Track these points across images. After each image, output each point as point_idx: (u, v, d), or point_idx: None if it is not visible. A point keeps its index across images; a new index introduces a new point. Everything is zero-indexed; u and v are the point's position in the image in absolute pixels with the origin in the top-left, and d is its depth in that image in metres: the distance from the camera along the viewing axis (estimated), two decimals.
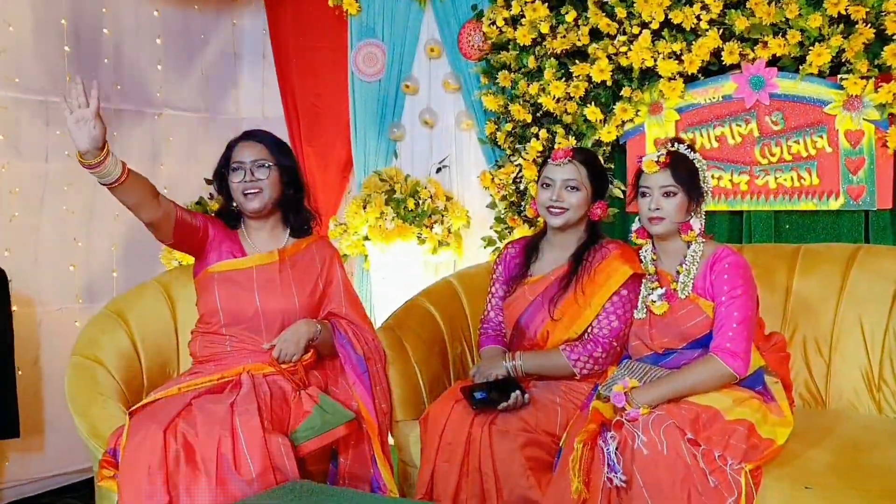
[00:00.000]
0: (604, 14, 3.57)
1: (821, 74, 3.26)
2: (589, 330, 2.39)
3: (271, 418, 2.30)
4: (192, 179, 4.37)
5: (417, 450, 2.49)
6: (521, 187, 3.81)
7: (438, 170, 4.19)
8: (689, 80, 3.52)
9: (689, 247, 2.33)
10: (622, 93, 3.59)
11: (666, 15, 3.42)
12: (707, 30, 3.38)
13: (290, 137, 4.69)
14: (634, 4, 3.48)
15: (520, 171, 3.80)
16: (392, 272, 3.97)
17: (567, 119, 3.70)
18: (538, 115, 3.78)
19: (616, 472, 2.01)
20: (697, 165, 2.40)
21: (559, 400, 2.30)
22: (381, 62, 4.34)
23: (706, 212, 2.51)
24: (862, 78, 3.14)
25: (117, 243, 4.09)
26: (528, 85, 3.75)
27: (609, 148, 3.71)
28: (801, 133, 3.35)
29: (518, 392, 2.20)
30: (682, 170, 2.33)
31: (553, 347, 2.40)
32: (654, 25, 3.45)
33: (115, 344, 2.69)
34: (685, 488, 1.95)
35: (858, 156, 3.24)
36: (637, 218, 2.43)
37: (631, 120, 3.63)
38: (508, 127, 3.82)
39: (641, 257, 2.44)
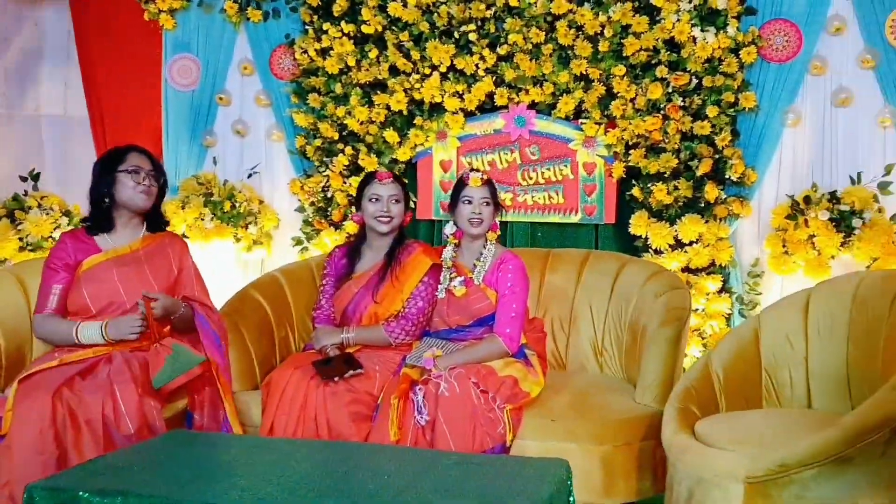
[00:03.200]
0: (401, 55, 4.30)
1: (567, 118, 4.21)
2: (402, 309, 3.10)
3: (143, 384, 2.78)
4: None
5: (256, 413, 3.06)
6: (329, 195, 4.44)
7: (250, 175, 4.70)
8: (469, 114, 4.35)
9: (485, 246, 3.11)
10: (415, 121, 4.35)
11: (451, 61, 4.22)
12: (483, 77, 4.23)
13: (94, 137, 4.96)
14: (426, 49, 4.25)
15: (328, 181, 4.43)
16: (209, 267, 4.42)
17: (369, 139, 4.39)
18: (344, 133, 4.44)
19: (422, 414, 2.73)
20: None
21: (378, 367, 2.97)
22: (196, 74, 4.76)
23: None
24: (596, 123, 4.13)
25: None
26: (336, 108, 4.39)
27: (403, 166, 4.44)
28: (552, 162, 4.30)
29: (358, 369, 2.87)
30: (493, 188, 3.12)
31: (375, 324, 3.09)
32: (443, 69, 4.24)
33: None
34: (472, 421, 2.70)
35: (592, 182, 4.23)
36: (452, 221, 3.17)
37: (422, 144, 4.39)
38: (318, 142, 4.44)
39: (444, 253, 3.18)
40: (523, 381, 2.84)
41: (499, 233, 3.16)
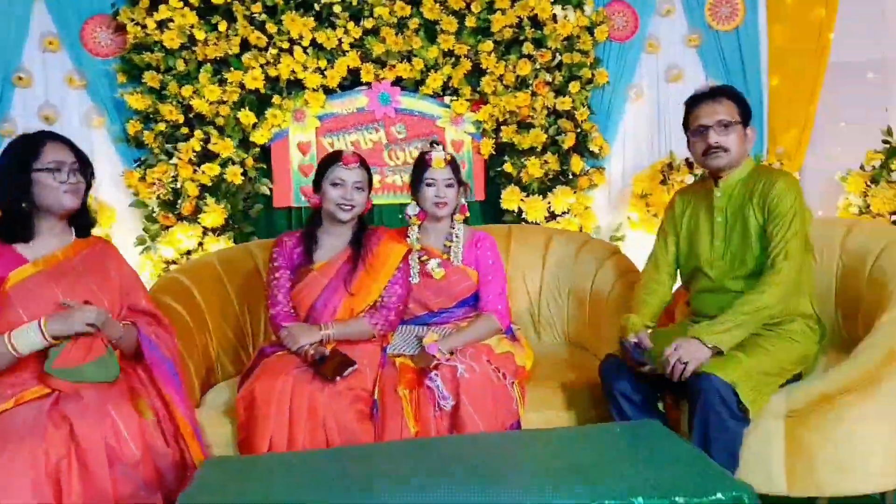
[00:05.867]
0: (253, 28, 3.92)
1: (434, 95, 4.15)
2: (379, 300, 2.83)
3: (132, 399, 2.28)
4: None
5: (214, 433, 2.62)
6: (178, 186, 3.92)
7: None
8: (328, 92, 4.09)
9: (451, 227, 2.95)
10: (273, 100, 3.99)
11: (312, 35, 3.94)
12: (347, 51, 4.00)
13: None
14: (283, 23, 3.92)
15: (175, 170, 3.91)
16: None
17: (220, 121, 3.94)
18: (190, 116, 3.94)
19: (446, 398, 2.55)
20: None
21: (366, 361, 2.70)
22: None
23: None
24: (467, 100, 4.11)
25: None
26: (180, 87, 3.89)
27: (258, 150, 4.06)
28: (419, 141, 4.20)
29: (355, 366, 2.57)
30: (456, 166, 2.94)
31: (353, 317, 2.78)
32: (305, 43, 3.94)
33: None
34: (493, 400, 2.58)
35: (461, 159, 4.20)
36: (413, 203, 2.94)
37: (278, 125, 4.05)
38: (161, 127, 3.89)
39: (409, 236, 2.96)
40: (518, 356, 2.76)
41: (468, 215, 3.01)
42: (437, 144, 2.95)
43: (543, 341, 3.35)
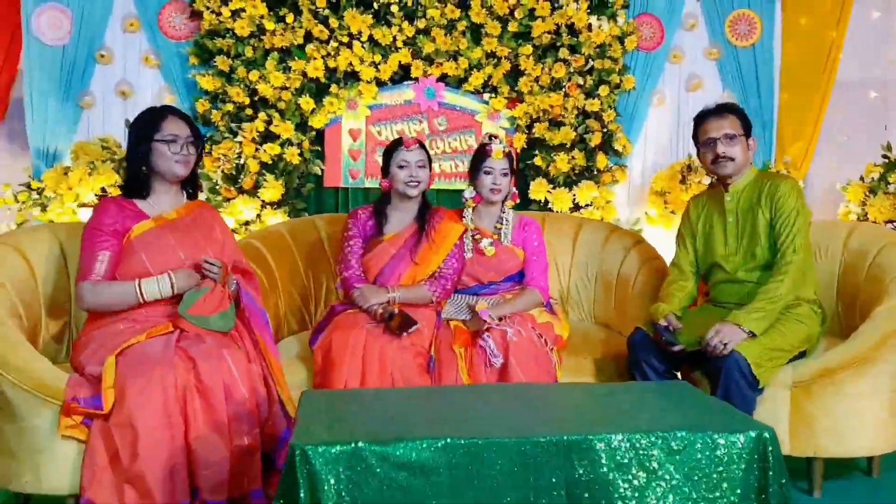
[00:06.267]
0: (317, 21, 4.30)
1: (475, 92, 4.53)
2: (437, 270, 3.22)
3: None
4: None
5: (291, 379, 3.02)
6: (241, 162, 4.30)
7: None
8: (380, 84, 4.47)
9: (502, 211, 3.34)
10: (331, 89, 4.37)
11: (370, 31, 4.32)
12: (400, 48, 4.38)
13: None
14: (343, 18, 4.30)
15: (240, 147, 4.28)
16: None
17: (281, 105, 4.32)
18: (254, 99, 4.31)
19: (497, 357, 2.94)
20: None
21: (425, 324, 3.09)
22: (67, 28, 4.28)
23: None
24: (505, 98, 4.50)
25: None
26: (248, 72, 4.26)
27: (314, 133, 4.44)
28: (458, 133, 4.59)
29: (417, 325, 2.97)
30: (512, 159, 3.33)
31: (415, 284, 3.19)
32: (363, 38, 4.32)
33: (12, 269, 2.75)
34: (537, 362, 2.97)
35: None
36: (471, 188, 3.32)
37: (333, 112, 4.43)
38: (229, 107, 4.27)
39: (464, 216, 3.34)
40: (556, 327, 3.16)
41: (518, 202, 3.41)
42: (496, 137, 3.34)
43: (572, 319, 3.74)
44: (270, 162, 4.32)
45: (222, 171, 4.32)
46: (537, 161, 4.54)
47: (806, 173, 4.98)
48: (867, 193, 4.48)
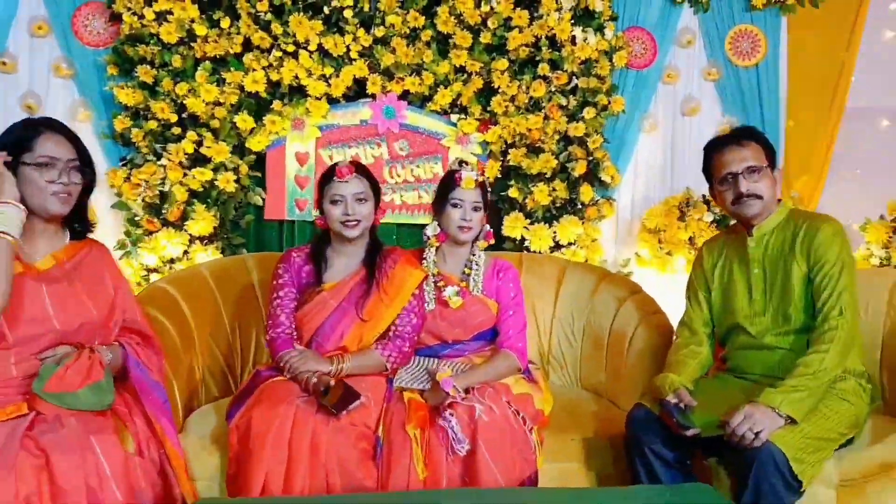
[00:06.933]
0: (258, 27, 3.69)
1: (442, 112, 3.93)
2: (392, 329, 2.59)
3: (117, 431, 2.00)
4: None
5: (198, 465, 2.36)
6: (166, 189, 3.65)
7: None
8: (332, 101, 3.86)
9: (472, 253, 2.72)
10: (273, 106, 3.75)
11: (319, 39, 3.72)
12: (355, 59, 3.78)
13: None
14: (289, 24, 3.69)
15: (164, 172, 3.64)
16: None
17: (214, 124, 3.69)
18: (183, 115, 3.68)
19: (462, 442, 2.31)
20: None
21: (370, 395, 2.45)
22: None
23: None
24: (476, 119, 3.90)
25: None
26: (175, 84, 3.63)
27: (254, 157, 3.81)
28: (423, 160, 3.98)
29: (361, 399, 2.32)
30: (485, 189, 2.71)
31: (364, 348, 2.53)
32: (312, 47, 3.71)
33: None
34: (512, 445, 2.34)
35: None
36: (435, 224, 2.71)
37: (276, 133, 3.81)
38: (151, 125, 3.63)
39: (425, 259, 2.72)
40: (536, 399, 2.53)
41: (492, 241, 2.78)
42: (466, 164, 2.74)
43: (553, 383, 3.11)
44: (201, 189, 3.68)
45: (143, 200, 3.66)
46: (513, 193, 3.93)
47: (815, 210, 4.42)
48: (891, 234, 3.91)
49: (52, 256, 2.15)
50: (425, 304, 2.64)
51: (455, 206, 2.65)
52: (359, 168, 2.64)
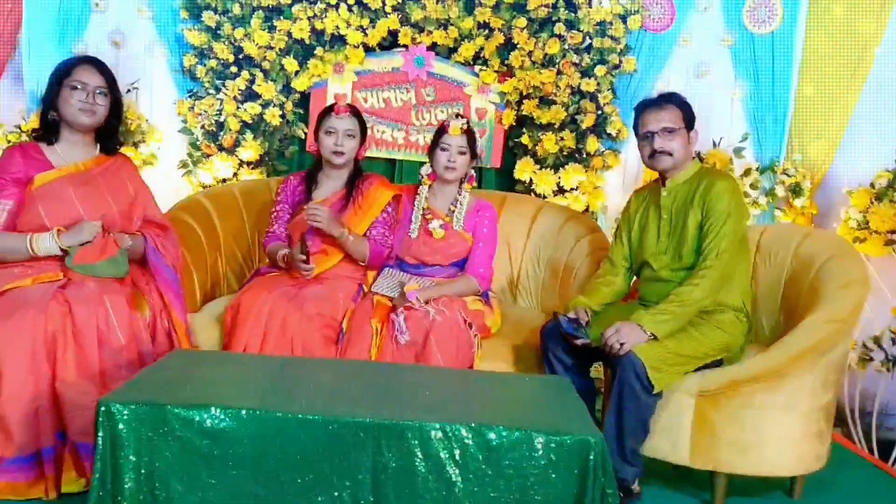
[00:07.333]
0: None
1: (465, 63, 4.40)
2: (366, 236, 3.17)
3: (128, 296, 2.67)
4: None
5: (202, 336, 3.02)
6: (221, 119, 4.31)
7: (128, 90, 4.41)
8: (368, 50, 4.39)
9: (459, 193, 3.25)
10: (316, 52, 4.32)
11: None
12: (389, 13, 4.29)
13: None
14: None
15: (221, 104, 4.29)
16: None
17: (266, 65, 4.30)
18: (239, 57, 4.31)
19: (403, 333, 2.86)
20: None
21: (340, 294, 3.05)
22: None
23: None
24: (495, 71, 4.36)
25: None
26: (233, 29, 4.25)
27: (298, 96, 4.41)
28: (446, 105, 4.48)
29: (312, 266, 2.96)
30: (472, 137, 3.23)
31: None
32: (351, 1, 4.25)
33: None
34: (457, 342, 2.87)
35: (482, 127, 4.46)
36: (428, 165, 3.26)
37: (318, 75, 4.38)
38: (212, 63, 4.27)
39: (418, 194, 3.26)
40: (487, 318, 3.07)
41: (475, 184, 3.31)
42: (461, 117, 3.23)
43: (518, 305, 3.62)
44: (251, 121, 4.31)
45: (203, 127, 4.33)
46: (524, 140, 4.38)
47: (825, 174, 4.66)
48: (873, 200, 4.16)
49: (84, 163, 2.82)
50: (410, 232, 3.19)
51: (443, 149, 3.18)
52: (353, 109, 3.20)
